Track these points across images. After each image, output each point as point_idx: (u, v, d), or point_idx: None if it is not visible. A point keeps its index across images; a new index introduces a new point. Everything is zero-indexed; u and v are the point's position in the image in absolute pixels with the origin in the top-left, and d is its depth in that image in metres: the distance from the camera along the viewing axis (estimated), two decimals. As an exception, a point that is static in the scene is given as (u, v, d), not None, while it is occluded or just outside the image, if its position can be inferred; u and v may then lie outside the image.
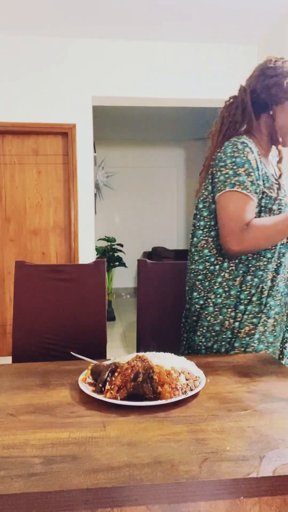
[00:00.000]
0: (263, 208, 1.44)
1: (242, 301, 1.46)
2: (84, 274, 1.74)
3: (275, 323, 1.49)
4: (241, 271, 1.46)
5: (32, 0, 3.12)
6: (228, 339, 1.48)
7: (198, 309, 1.51)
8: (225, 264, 1.47)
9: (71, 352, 1.40)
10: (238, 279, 1.47)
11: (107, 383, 1.09)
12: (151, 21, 3.47)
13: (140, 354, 1.17)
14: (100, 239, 6.10)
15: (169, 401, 1.05)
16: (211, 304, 1.48)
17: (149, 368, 1.08)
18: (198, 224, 1.52)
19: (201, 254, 1.51)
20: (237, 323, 1.47)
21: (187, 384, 1.11)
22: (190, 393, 1.09)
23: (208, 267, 1.49)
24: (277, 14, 3.36)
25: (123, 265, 5.79)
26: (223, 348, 1.50)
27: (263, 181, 1.43)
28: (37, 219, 4.06)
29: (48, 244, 4.09)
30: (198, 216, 1.52)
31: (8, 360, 3.83)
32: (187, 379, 1.12)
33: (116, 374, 1.09)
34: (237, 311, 1.47)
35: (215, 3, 3.17)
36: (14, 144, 3.97)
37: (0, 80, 3.71)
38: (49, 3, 3.17)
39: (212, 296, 1.48)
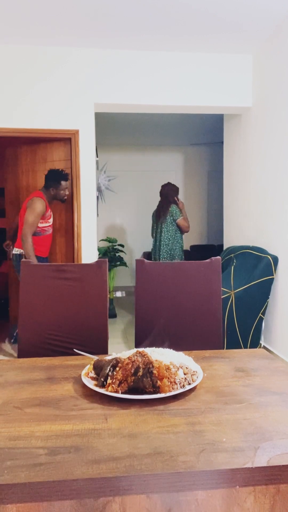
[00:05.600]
0: None
1: None
2: (87, 273, 1.74)
3: None
4: None
5: (37, 12, 3.12)
6: None
7: None
8: None
9: (74, 350, 1.40)
10: None
11: (109, 378, 1.09)
12: (150, 32, 3.47)
13: (140, 349, 1.17)
14: (102, 239, 6.10)
15: (168, 394, 1.05)
16: None
17: (149, 363, 1.08)
18: None
19: None
20: None
21: (185, 378, 1.11)
22: (188, 387, 1.09)
23: None
24: (271, 26, 3.36)
25: (124, 264, 5.78)
26: None
27: None
28: (46, 221, 4.12)
29: (54, 244, 4.10)
30: None
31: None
32: (185, 374, 1.12)
33: (117, 368, 1.09)
34: None
35: (213, 15, 3.17)
36: (29, 154, 4.12)
37: (8, 88, 3.71)
38: (53, 15, 3.17)
39: None
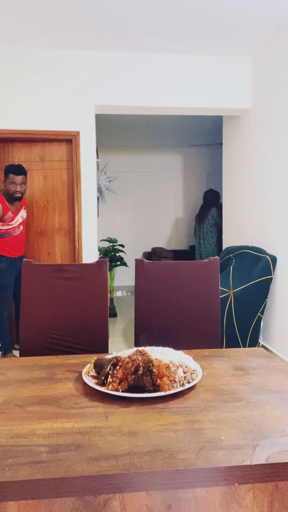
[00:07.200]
0: None
1: None
2: (87, 273, 1.74)
3: None
4: None
5: (39, 14, 3.12)
6: None
7: None
8: None
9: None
10: None
11: (109, 376, 1.09)
12: (151, 34, 3.47)
13: (141, 348, 1.17)
14: (103, 240, 6.10)
15: (167, 393, 1.05)
16: None
17: (149, 362, 1.08)
18: None
19: None
20: None
21: (185, 377, 1.11)
22: (187, 386, 1.09)
23: None
24: (271, 27, 3.36)
25: (124, 264, 5.78)
26: None
27: None
28: (43, 221, 4.07)
29: (53, 244, 4.09)
30: None
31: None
32: (184, 372, 1.12)
33: (117, 367, 1.09)
34: None
35: (213, 17, 3.17)
36: (23, 151, 4.04)
37: (10, 90, 3.71)
38: (54, 17, 3.17)
39: None
